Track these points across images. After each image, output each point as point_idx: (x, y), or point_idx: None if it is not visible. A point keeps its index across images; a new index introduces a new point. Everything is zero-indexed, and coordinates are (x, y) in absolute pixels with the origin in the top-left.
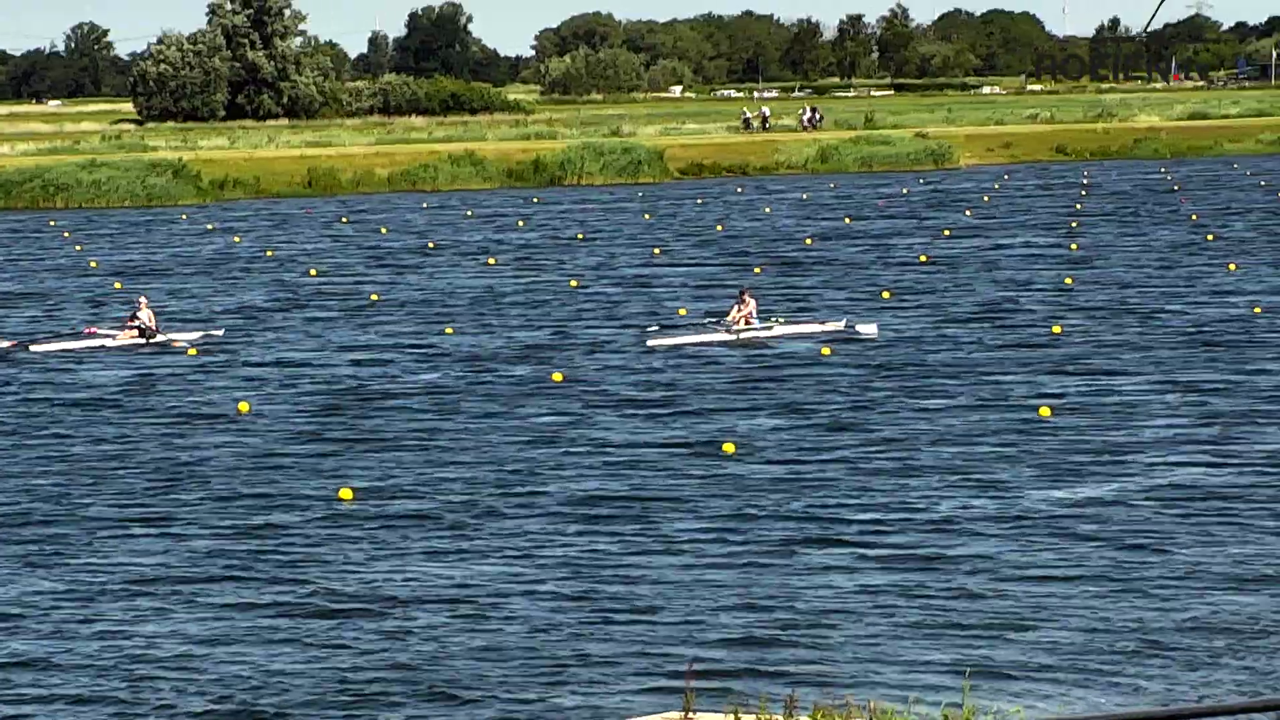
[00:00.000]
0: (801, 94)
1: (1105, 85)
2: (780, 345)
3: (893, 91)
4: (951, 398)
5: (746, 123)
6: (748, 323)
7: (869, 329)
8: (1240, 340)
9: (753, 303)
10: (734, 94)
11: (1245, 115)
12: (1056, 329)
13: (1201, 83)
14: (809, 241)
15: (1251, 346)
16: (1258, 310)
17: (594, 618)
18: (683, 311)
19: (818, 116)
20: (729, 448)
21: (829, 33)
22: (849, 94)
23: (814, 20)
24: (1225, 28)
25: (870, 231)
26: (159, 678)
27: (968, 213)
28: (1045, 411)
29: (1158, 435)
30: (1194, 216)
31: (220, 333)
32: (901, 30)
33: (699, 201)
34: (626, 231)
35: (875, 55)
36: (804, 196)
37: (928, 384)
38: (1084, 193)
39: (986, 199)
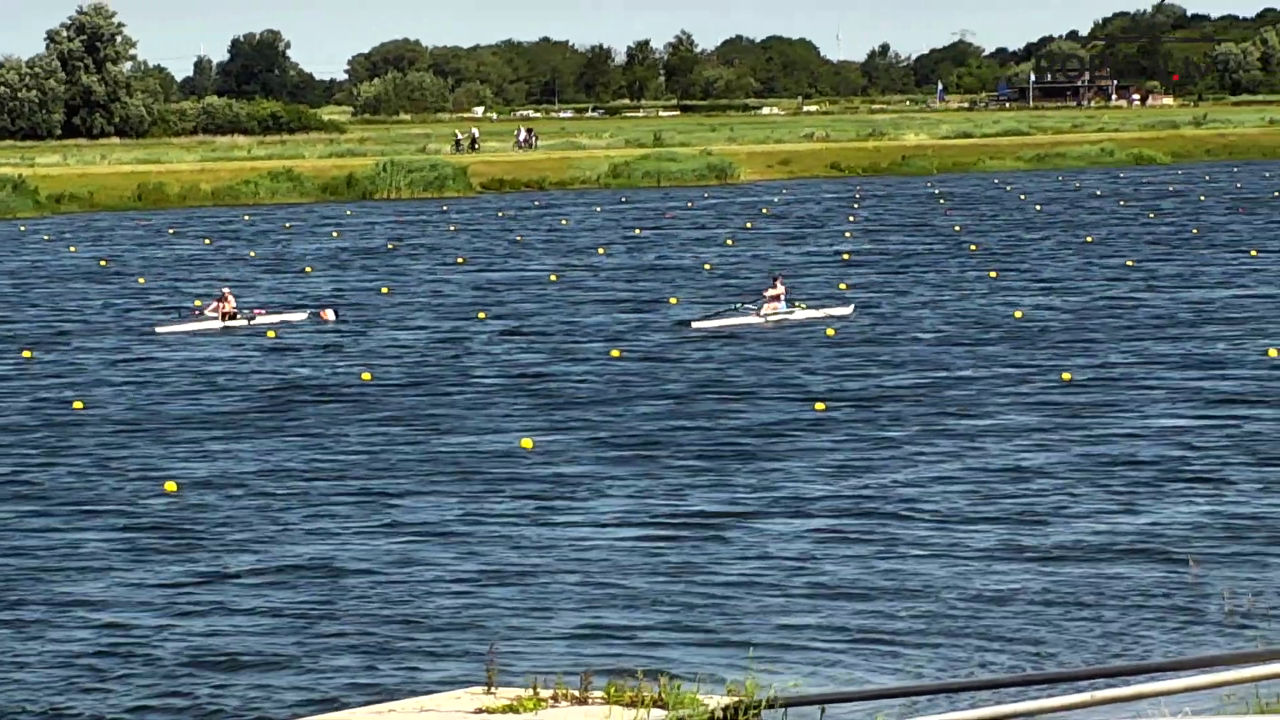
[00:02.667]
0: (595, 114)
1: (877, 105)
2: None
3: (679, 112)
4: (728, 395)
5: (457, 144)
6: (775, 308)
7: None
8: (1004, 341)
9: (783, 288)
10: (533, 114)
11: (1005, 134)
12: (830, 331)
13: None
14: (602, 251)
15: (1016, 346)
16: (1019, 315)
17: (405, 593)
18: (482, 315)
19: (533, 137)
20: (526, 444)
21: (619, 57)
22: (639, 114)
23: (606, 46)
24: (987, 53)
25: (658, 241)
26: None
27: (748, 225)
28: (820, 406)
29: (931, 426)
30: (958, 228)
31: (303, 316)
32: (687, 55)
33: (499, 214)
34: (433, 242)
35: (663, 78)
36: (597, 209)
37: (708, 380)
38: (856, 205)
39: (766, 211)
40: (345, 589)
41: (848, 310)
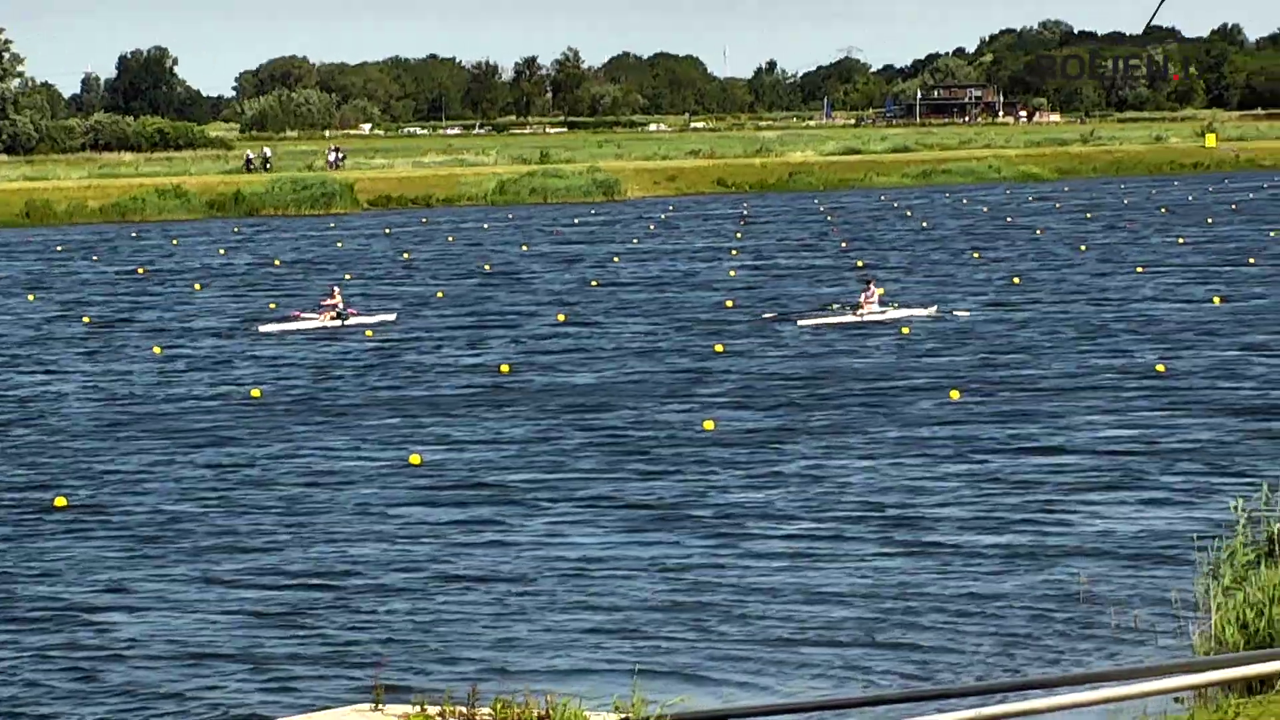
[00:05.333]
0: (481, 131)
1: (764, 122)
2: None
3: (566, 129)
4: (616, 410)
5: (248, 164)
6: (870, 307)
7: (963, 313)
8: (889, 354)
9: (876, 291)
10: (420, 131)
11: (892, 151)
12: (719, 348)
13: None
14: (488, 268)
15: (902, 360)
16: (905, 331)
17: (290, 610)
18: (369, 334)
19: (341, 156)
20: (415, 459)
21: (506, 74)
22: (526, 131)
23: (493, 62)
24: (874, 70)
25: (545, 258)
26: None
27: (635, 240)
28: (709, 425)
29: (819, 443)
30: (844, 245)
31: (392, 317)
32: (573, 72)
33: (386, 231)
34: (320, 259)
35: (550, 95)
36: (484, 226)
37: (586, 392)
38: (743, 222)
39: (652, 227)
40: (237, 602)
41: (932, 310)
